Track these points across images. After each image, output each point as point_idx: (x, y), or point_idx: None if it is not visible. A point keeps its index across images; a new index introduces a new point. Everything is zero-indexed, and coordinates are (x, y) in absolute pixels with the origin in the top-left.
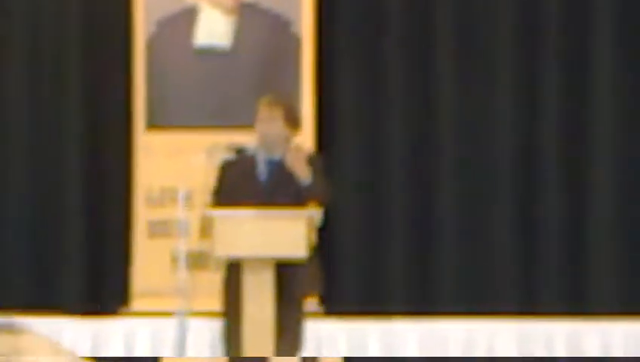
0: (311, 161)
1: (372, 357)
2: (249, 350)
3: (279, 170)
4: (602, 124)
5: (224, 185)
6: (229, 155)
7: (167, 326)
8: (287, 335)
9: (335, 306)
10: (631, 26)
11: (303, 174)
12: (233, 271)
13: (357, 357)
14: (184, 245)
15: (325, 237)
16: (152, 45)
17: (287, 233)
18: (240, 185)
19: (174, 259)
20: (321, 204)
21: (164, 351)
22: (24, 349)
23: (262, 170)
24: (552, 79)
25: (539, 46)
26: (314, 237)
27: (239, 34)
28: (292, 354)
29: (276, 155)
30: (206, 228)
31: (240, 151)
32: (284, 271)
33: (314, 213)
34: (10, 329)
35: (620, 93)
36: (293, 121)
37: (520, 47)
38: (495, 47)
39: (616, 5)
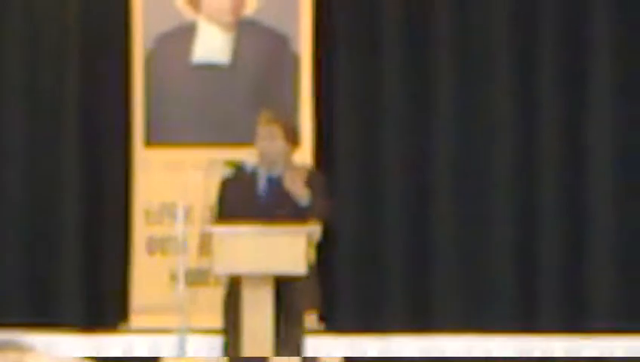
0: (311, 177)
1: (372, 357)
2: None
3: (279, 187)
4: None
5: (224, 201)
6: (229, 172)
7: (166, 343)
8: (287, 350)
9: (334, 323)
10: (630, 14)
11: (301, 195)
12: (234, 287)
13: (357, 357)
14: (183, 261)
15: (324, 253)
16: (150, 61)
17: (287, 250)
18: (240, 201)
19: (173, 276)
20: (320, 221)
21: None
22: None
23: (262, 186)
24: (550, 79)
25: (536, 42)
26: (313, 254)
27: (238, 50)
28: None
29: (276, 172)
30: (205, 245)
31: (239, 168)
32: (284, 287)
33: (313, 230)
34: (15, 347)
35: (620, 88)
36: (292, 137)
37: (518, 47)
38: (492, 60)
39: None
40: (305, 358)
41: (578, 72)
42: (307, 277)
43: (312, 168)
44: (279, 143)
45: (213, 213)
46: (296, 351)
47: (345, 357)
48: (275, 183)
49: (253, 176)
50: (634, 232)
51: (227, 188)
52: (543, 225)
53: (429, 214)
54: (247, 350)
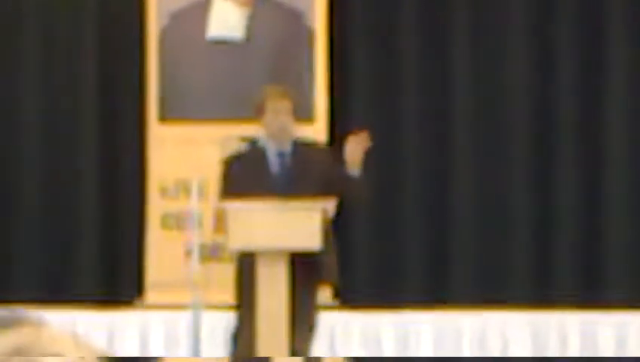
0: (323, 155)
1: (380, 357)
2: (263, 342)
3: (291, 162)
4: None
5: (233, 179)
6: (236, 148)
7: (181, 318)
8: (301, 324)
9: (349, 298)
10: None
11: (357, 164)
12: (245, 263)
13: (364, 357)
14: (198, 237)
15: (339, 228)
16: (164, 37)
17: (302, 225)
18: (251, 178)
19: (188, 252)
20: (358, 199)
21: (179, 343)
22: (45, 342)
23: (273, 161)
24: (567, 61)
25: (554, 18)
26: (330, 229)
27: (252, 26)
28: (304, 345)
29: (285, 147)
30: (220, 221)
31: (254, 143)
32: (301, 259)
33: (328, 205)
34: (29, 322)
35: (636, 68)
36: (296, 113)
37: (535, 24)
38: (509, 32)
39: None
40: (309, 358)
41: (595, 54)
42: (325, 252)
43: (324, 146)
44: (292, 118)
45: (221, 192)
46: (310, 326)
47: (350, 358)
48: (287, 159)
49: (261, 152)
50: None
51: (234, 166)
52: (560, 200)
53: (446, 190)
54: (262, 326)
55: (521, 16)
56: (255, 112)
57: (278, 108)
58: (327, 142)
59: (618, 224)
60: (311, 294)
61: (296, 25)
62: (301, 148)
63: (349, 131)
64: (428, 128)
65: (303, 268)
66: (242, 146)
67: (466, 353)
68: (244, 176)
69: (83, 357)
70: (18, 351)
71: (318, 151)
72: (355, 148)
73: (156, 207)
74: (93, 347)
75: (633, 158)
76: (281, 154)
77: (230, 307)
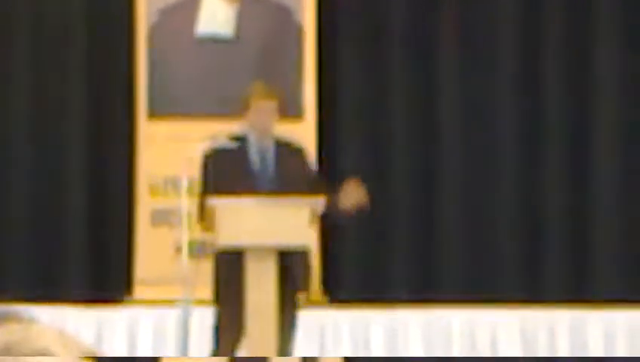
0: (304, 159)
1: (373, 357)
2: (251, 338)
3: (272, 160)
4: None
5: (213, 173)
6: (221, 144)
7: (171, 315)
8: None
9: (338, 295)
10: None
11: (347, 212)
12: (222, 260)
13: (358, 357)
14: (186, 234)
15: (327, 225)
16: (154, 34)
17: (290, 221)
18: (231, 173)
19: (177, 248)
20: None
21: (168, 340)
22: (34, 338)
23: (254, 158)
24: (554, 65)
25: (541, 29)
26: (313, 232)
27: (241, 22)
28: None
29: (267, 144)
30: (205, 216)
31: (242, 140)
32: (280, 267)
33: (317, 201)
34: (19, 319)
35: (624, 71)
36: (282, 112)
37: (522, 33)
38: (497, 30)
39: None
40: (305, 358)
41: (582, 57)
42: (300, 259)
43: (302, 147)
44: (275, 118)
45: (201, 188)
46: (289, 330)
47: (345, 358)
48: (268, 156)
49: (242, 149)
50: (638, 202)
51: (213, 160)
52: (548, 198)
53: (434, 188)
54: (250, 321)
55: (511, 17)
56: (240, 108)
57: (264, 108)
58: (315, 144)
59: (606, 221)
60: (291, 297)
61: (285, 21)
62: (282, 147)
63: (338, 126)
64: (416, 126)
65: (283, 272)
66: (229, 143)
67: (456, 350)
68: (223, 171)
69: (75, 356)
70: (7, 348)
71: (298, 153)
72: (351, 196)
73: (145, 203)
74: (82, 343)
75: (621, 157)
76: (262, 152)
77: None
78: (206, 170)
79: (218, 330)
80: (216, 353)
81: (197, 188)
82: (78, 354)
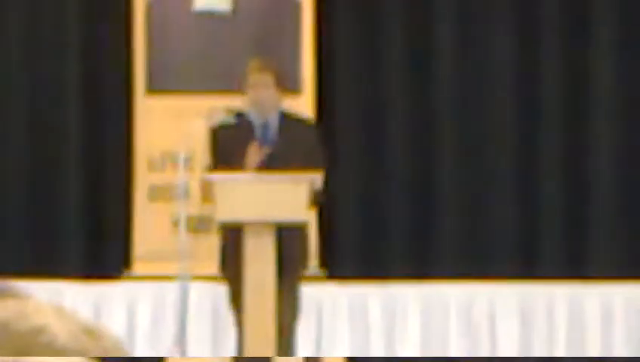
0: (309, 133)
1: (374, 357)
2: (250, 313)
3: (276, 135)
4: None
5: (220, 149)
6: (224, 119)
7: (169, 290)
8: (284, 304)
9: (336, 270)
10: None
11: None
12: (229, 234)
13: (360, 357)
14: (185, 209)
15: (326, 201)
16: (151, 10)
17: (289, 197)
18: (238, 148)
19: (175, 223)
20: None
21: (166, 315)
22: (31, 314)
23: (258, 133)
24: (552, 42)
25: (539, 13)
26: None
27: None
28: (291, 321)
29: (270, 119)
30: (206, 192)
31: (240, 115)
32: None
33: (315, 177)
34: (14, 294)
35: (622, 52)
36: (282, 84)
37: (520, 12)
38: (494, 11)
39: None
40: (307, 358)
41: (580, 36)
42: (297, 233)
43: (311, 122)
44: (272, 91)
45: (207, 162)
46: (293, 305)
47: (348, 358)
48: (271, 131)
49: (247, 124)
50: (637, 180)
51: (221, 136)
52: (545, 173)
53: (430, 163)
54: (249, 297)
55: (508, 10)
56: (239, 85)
57: (257, 82)
58: (315, 118)
59: (604, 197)
60: (292, 273)
61: None
62: (288, 122)
63: (336, 103)
64: (414, 101)
65: (282, 248)
66: (229, 117)
67: (453, 325)
68: (230, 146)
69: (74, 332)
70: (3, 324)
71: (306, 127)
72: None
73: (143, 179)
74: (80, 318)
75: (618, 135)
76: (265, 126)
77: (218, 278)
78: (213, 145)
79: (234, 302)
80: (239, 324)
81: (204, 163)
82: (77, 330)
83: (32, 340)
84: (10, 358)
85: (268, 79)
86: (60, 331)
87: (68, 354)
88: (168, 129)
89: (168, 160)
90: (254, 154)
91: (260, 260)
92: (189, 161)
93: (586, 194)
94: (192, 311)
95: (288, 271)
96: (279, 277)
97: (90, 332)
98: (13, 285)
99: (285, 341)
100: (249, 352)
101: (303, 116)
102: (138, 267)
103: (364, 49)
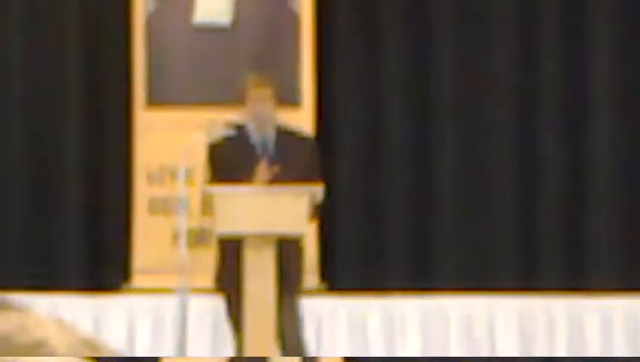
0: (307, 147)
1: (373, 357)
2: (250, 326)
3: (273, 149)
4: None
5: (219, 163)
6: (223, 133)
7: (168, 303)
8: (285, 318)
9: (335, 283)
10: None
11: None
12: (226, 247)
13: (358, 357)
14: (184, 222)
15: (326, 213)
16: (151, 22)
17: (289, 209)
18: (237, 162)
19: (175, 236)
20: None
21: (166, 328)
22: (31, 328)
23: (257, 148)
24: (551, 30)
25: (538, 13)
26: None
27: (238, 10)
28: (298, 332)
29: (268, 134)
30: (206, 205)
31: (240, 128)
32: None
33: (316, 190)
34: (15, 308)
35: (620, 42)
36: (280, 99)
37: (519, 8)
38: (493, 12)
39: None
40: (305, 358)
41: (579, 27)
42: (294, 246)
43: (310, 138)
44: (271, 105)
45: (206, 177)
46: (294, 319)
47: (345, 358)
48: (269, 145)
49: (245, 138)
50: (636, 191)
51: (220, 151)
52: (545, 184)
53: (430, 176)
54: (249, 310)
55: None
56: (238, 100)
57: (258, 97)
58: (313, 131)
59: (603, 209)
60: (292, 287)
61: (282, 8)
62: (285, 136)
63: (335, 115)
64: (414, 114)
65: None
66: (228, 131)
67: (453, 338)
68: (229, 160)
69: (74, 345)
70: (4, 337)
71: (302, 141)
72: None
73: (143, 192)
74: (79, 332)
75: (618, 145)
76: (263, 141)
77: (215, 290)
78: (212, 160)
79: (232, 316)
80: (237, 338)
81: (204, 177)
82: (77, 343)
83: (33, 353)
84: (10, 358)
85: (267, 93)
86: (60, 344)
87: None
88: (168, 142)
89: (168, 173)
90: (263, 172)
91: (260, 273)
92: (188, 174)
93: (587, 206)
94: (191, 324)
95: (288, 284)
96: (279, 291)
97: (90, 345)
98: (13, 299)
99: (299, 352)
100: None
101: (300, 130)
102: (138, 280)
103: (363, 62)
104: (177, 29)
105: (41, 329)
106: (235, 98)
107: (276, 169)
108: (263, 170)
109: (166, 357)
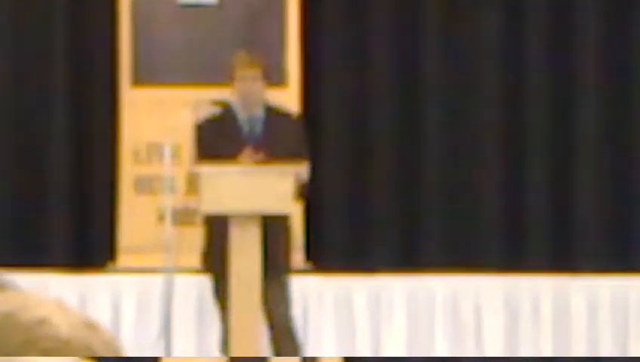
0: (294, 126)
1: (373, 357)
2: (236, 305)
3: (261, 128)
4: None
5: (206, 143)
6: (210, 112)
7: (154, 282)
8: (277, 295)
9: (321, 263)
10: None
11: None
12: (213, 226)
13: (357, 357)
14: (170, 201)
15: (311, 192)
16: (137, 1)
17: (274, 189)
18: (224, 141)
19: (161, 215)
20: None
21: (151, 307)
22: (33, 307)
23: (244, 126)
24: (537, 25)
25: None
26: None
27: None
28: (287, 311)
29: (256, 113)
30: (193, 185)
31: (226, 106)
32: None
33: (301, 170)
34: (13, 288)
35: (606, 37)
36: (268, 78)
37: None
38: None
39: None
40: (305, 358)
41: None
42: (283, 236)
43: (297, 117)
44: (259, 84)
45: (193, 156)
46: (282, 297)
47: (345, 358)
48: (257, 124)
49: (233, 117)
50: (621, 171)
51: (206, 131)
52: (531, 164)
53: (417, 155)
54: (235, 289)
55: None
56: (227, 78)
57: (245, 76)
58: (300, 110)
59: (589, 189)
60: (278, 268)
61: None
62: (273, 115)
63: (322, 95)
64: (400, 93)
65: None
66: (215, 111)
67: (439, 318)
68: (216, 140)
69: (75, 326)
70: (6, 316)
71: (290, 122)
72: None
73: (129, 170)
74: (81, 314)
75: (603, 127)
76: (251, 120)
77: (202, 271)
78: (199, 140)
79: (220, 297)
80: (224, 319)
81: (187, 156)
82: (77, 322)
83: (37, 330)
84: (8, 358)
85: (256, 72)
86: (61, 323)
87: (73, 345)
88: (154, 121)
89: (154, 152)
90: (248, 157)
91: (246, 252)
92: (174, 153)
93: (573, 187)
94: (176, 304)
95: (275, 263)
96: (266, 270)
97: (90, 325)
98: (10, 279)
99: (287, 330)
100: (234, 344)
101: (287, 109)
102: (123, 259)
103: (350, 41)
104: (163, 8)
105: (42, 308)
106: (226, 78)
107: (261, 156)
108: (247, 155)
109: (166, 357)
